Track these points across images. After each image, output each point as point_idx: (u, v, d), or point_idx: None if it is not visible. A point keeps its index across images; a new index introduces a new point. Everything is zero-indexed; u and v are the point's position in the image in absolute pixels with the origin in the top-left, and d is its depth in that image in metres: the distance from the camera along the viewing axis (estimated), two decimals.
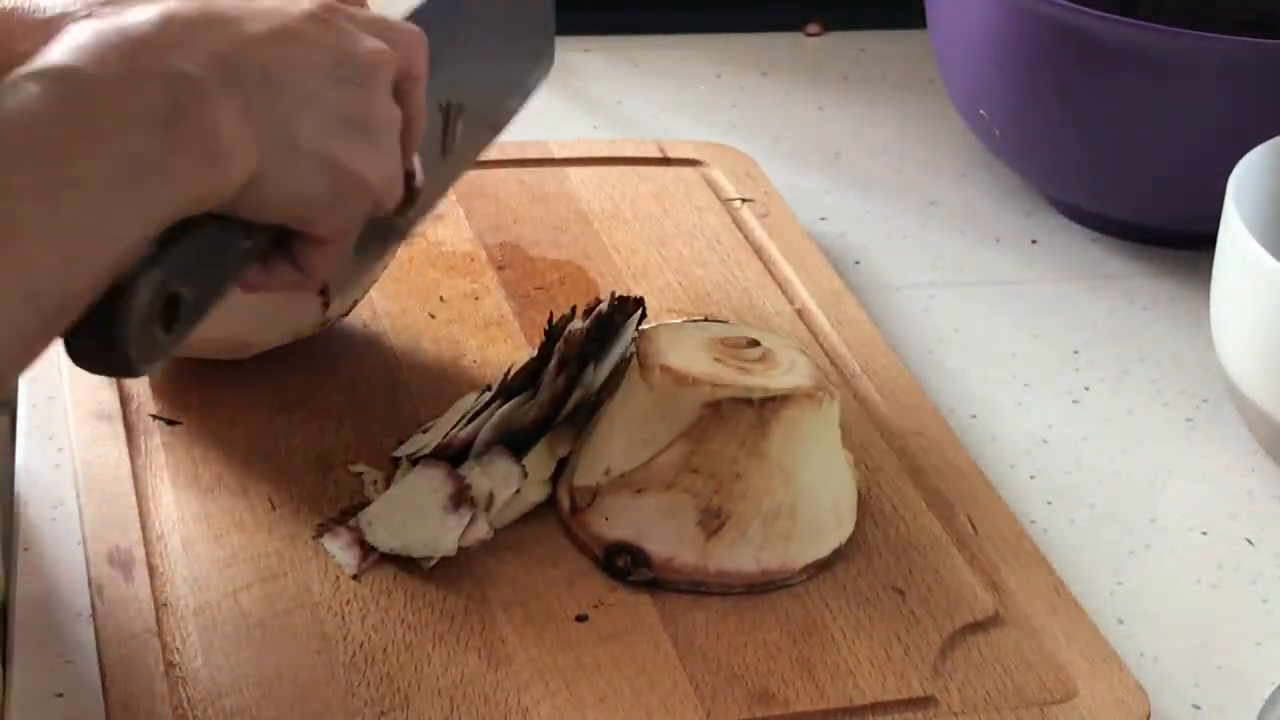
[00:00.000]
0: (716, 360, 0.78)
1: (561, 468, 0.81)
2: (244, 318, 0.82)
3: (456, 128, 0.76)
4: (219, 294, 0.64)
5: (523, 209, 1.02)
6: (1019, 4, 1.02)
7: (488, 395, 0.81)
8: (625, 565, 0.76)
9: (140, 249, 0.59)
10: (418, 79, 0.69)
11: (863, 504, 0.82)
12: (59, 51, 0.59)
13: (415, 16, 0.73)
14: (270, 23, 0.64)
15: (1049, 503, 0.87)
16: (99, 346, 0.59)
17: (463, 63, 0.79)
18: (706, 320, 0.87)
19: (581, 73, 1.26)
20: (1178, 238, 1.08)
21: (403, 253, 0.97)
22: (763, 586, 0.77)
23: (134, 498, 0.79)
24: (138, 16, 0.61)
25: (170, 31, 0.60)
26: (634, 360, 0.79)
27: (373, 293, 0.93)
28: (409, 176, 0.70)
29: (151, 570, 0.75)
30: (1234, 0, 1.13)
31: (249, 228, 0.64)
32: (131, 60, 0.59)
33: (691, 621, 0.75)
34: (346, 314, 0.89)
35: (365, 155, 0.66)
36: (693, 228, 1.02)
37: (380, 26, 0.68)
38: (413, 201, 0.72)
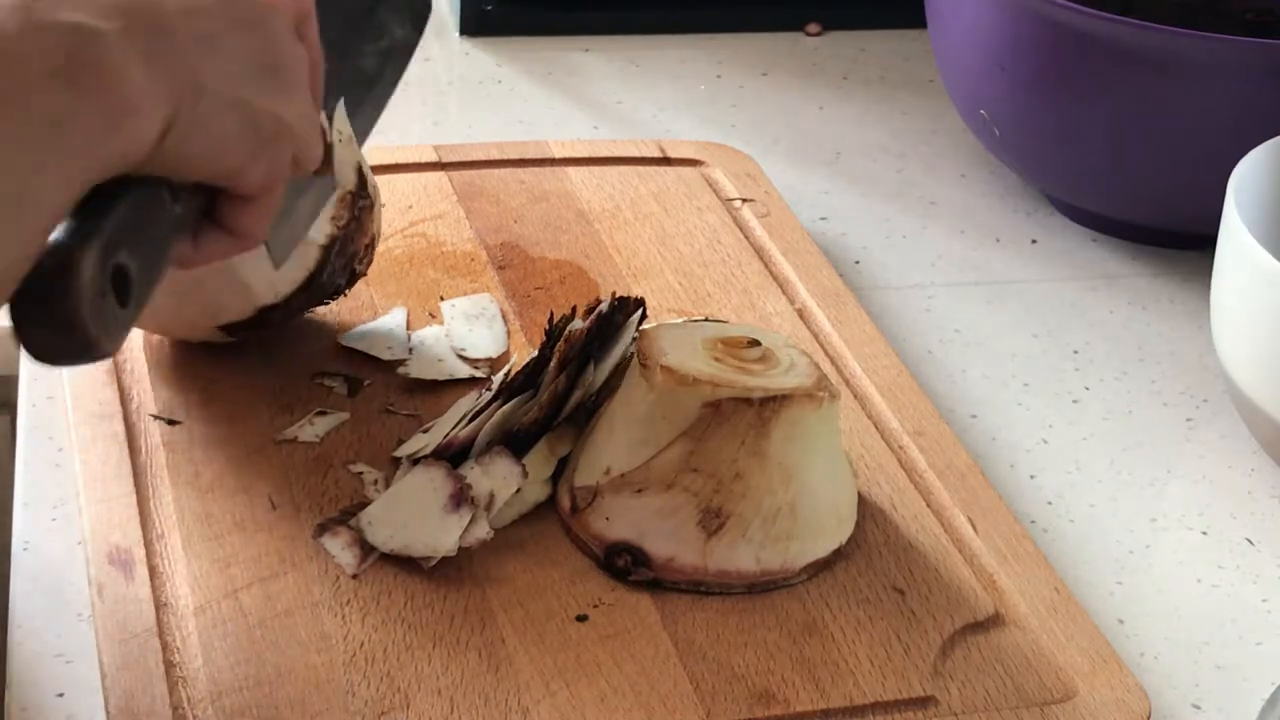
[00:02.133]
0: (716, 360, 0.78)
1: (562, 468, 0.81)
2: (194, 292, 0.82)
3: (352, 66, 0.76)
4: (162, 262, 0.63)
5: (523, 209, 1.02)
6: (1019, 4, 1.02)
7: (488, 395, 0.81)
8: (625, 565, 0.76)
9: (60, 215, 0.57)
10: (309, 17, 0.68)
11: (863, 504, 0.82)
12: None
13: None
14: None
15: (1049, 503, 0.87)
16: (57, 332, 0.58)
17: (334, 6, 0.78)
18: (706, 320, 0.87)
19: (581, 73, 1.26)
20: (1178, 238, 1.08)
21: (403, 253, 0.97)
22: (763, 586, 0.77)
23: (134, 498, 0.79)
24: None
25: None
26: (634, 360, 0.79)
27: (373, 293, 0.93)
28: (322, 134, 0.69)
29: (151, 570, 0.75)
30: (1234, 0, 1.13)
31: (175, 190, 0.63)
32: (26, 15, 0.57)
33: (691, 621, 0.75)
34: (310, 286, 0.86)
35: (277, 93, 0.65)
36: (693, 228, 1.02)
37: None
38: (330, 161, 0.72)
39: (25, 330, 0.58)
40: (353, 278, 0.87)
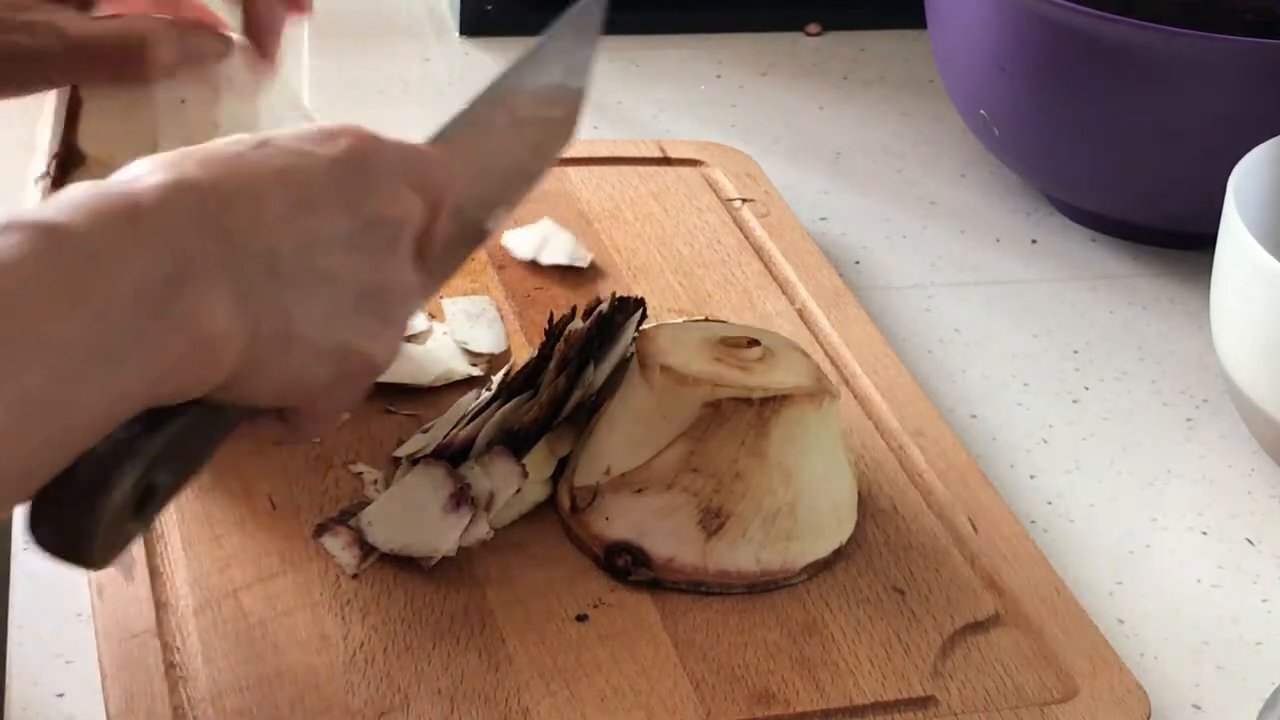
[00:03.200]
0: (716, 360, 0.78)
1: (562, 468, 0.81)
2: None
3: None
4: (195, 477, 0.59)
5: (523, 209, 1.02)
6: (1019, 4, 1.02)
7: (488, 395, 0.81)
8: (625, 565, 0.76)
9: (107, 429, 0.53)
10: (442, 213, 0.63)
11: (863, 504, 0.82)
12: (52, 207, 0.53)
13: (451, 131, 0.67)
14: (291, 189, 0.57)
15: (1049, 503, 0.87)
16: (65, 539, 0.55)
17: (494, 168, 0.73)
18: (706, 320, 0.87)
19: None
20: (1178, 238, 1.08)
21: None
22: (763, 586, 0.77)
23: None
24: (148, 180, 0.55)
25: (180, 202, 0.54)
26: (634, 360, 0.79)
27: None
28: None
29: (151, 570, 0.75)
30: (1234, 0, 1.13)
31: (238, 411, 0.59)
32: (131, 226, 0.53)
33: (691, 621, 0.75)
34: None
35: (376, 336, 0.60)
36: (693, 228, 1.02)
37: (414, 163, 0.62)
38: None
39: (36, 530, 0.55)
40: None
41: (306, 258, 0.57)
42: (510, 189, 0.76)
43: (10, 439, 0.50)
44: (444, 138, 0.67)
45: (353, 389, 0.62)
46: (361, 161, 0.60)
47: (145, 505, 0.56)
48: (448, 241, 0.66)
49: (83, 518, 0.54)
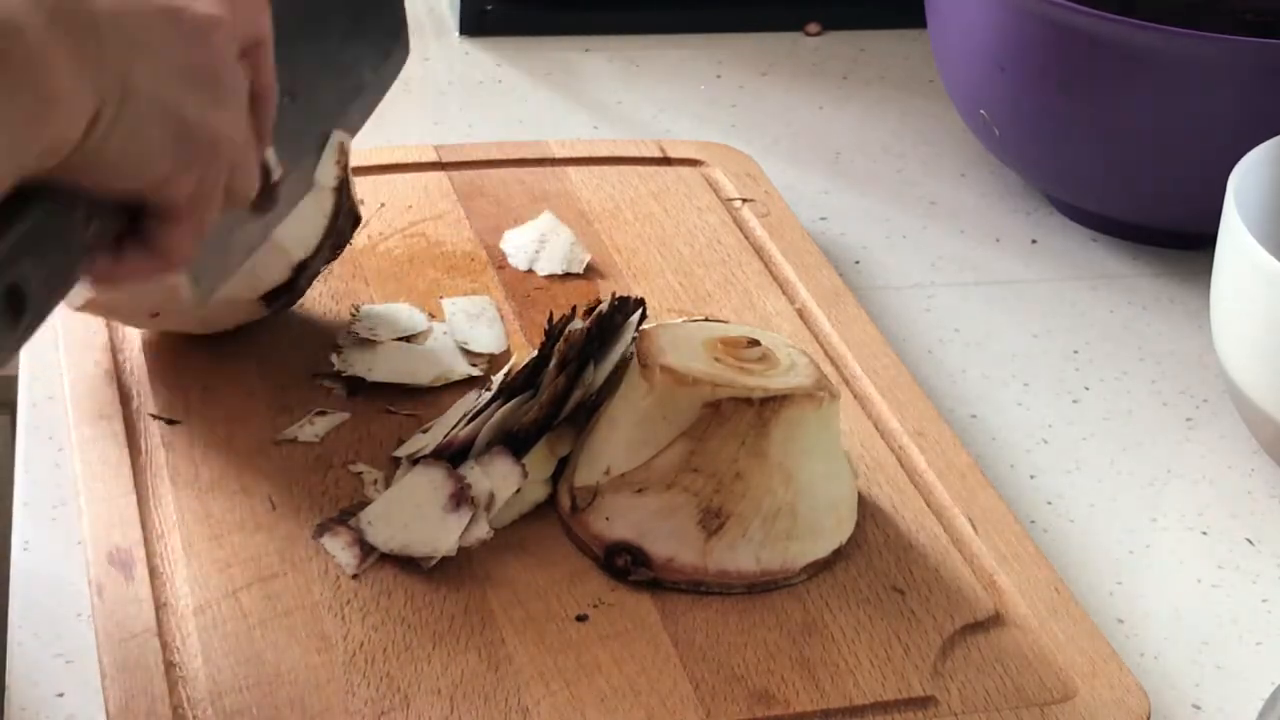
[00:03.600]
0: (716, 360, 0.78)
1: (562, 468, 0.81)
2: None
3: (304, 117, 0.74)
4: (65, 283, 0.60)
5: (523, 209, 1.02)
6: (1019, 4, 1.02)
7: (488, 395, 0.81)
8: (625, 565, 0.76)
9: None
10: (262, 44, 0.66)
11: (863, 504, 0.82)
12: None
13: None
14: None
15: (1049, 503, 0.87)
16: None
17: (305, 47, 0.77)
18: (706, 320, 0.87)
19: (581, 73, 1.26)
20: (1178, 238, 1.08)
21: (403, 253, 0.97)
22: (763, 586, 0.77)
23: (134, 498, 0.79)
24: None
25: None
26: (634, 360, 0.79)
27: (373, 292, 0.93)
28: (265, 171, 0.67)
29: (151, 570, 0.75)
30: (1234, 0, 1.13)
31: (93, 204, 0.60)
32: None
33: (691, 621, 0.75)
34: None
35: (212, 107, 0.62)
36: (693, 228, 1.02)
37: None
38: (272, 199, 0.70)
39: None
40: (355, 222, 0.88)
41: (126, 21, 0.60)
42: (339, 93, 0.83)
43: None
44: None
45: (203, 174, 0.63)
46: None
47: (17, 306, 0.57)
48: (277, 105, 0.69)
49: None
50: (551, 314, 0.83)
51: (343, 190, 0.85)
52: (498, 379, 0.83)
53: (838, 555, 0.79)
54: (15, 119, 0.55)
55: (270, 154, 0.69)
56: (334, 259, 0.88)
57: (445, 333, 0.90)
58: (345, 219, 0.86)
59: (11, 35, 0.56)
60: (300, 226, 0.84)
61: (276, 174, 0.70)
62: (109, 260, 0.63)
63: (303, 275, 0.86)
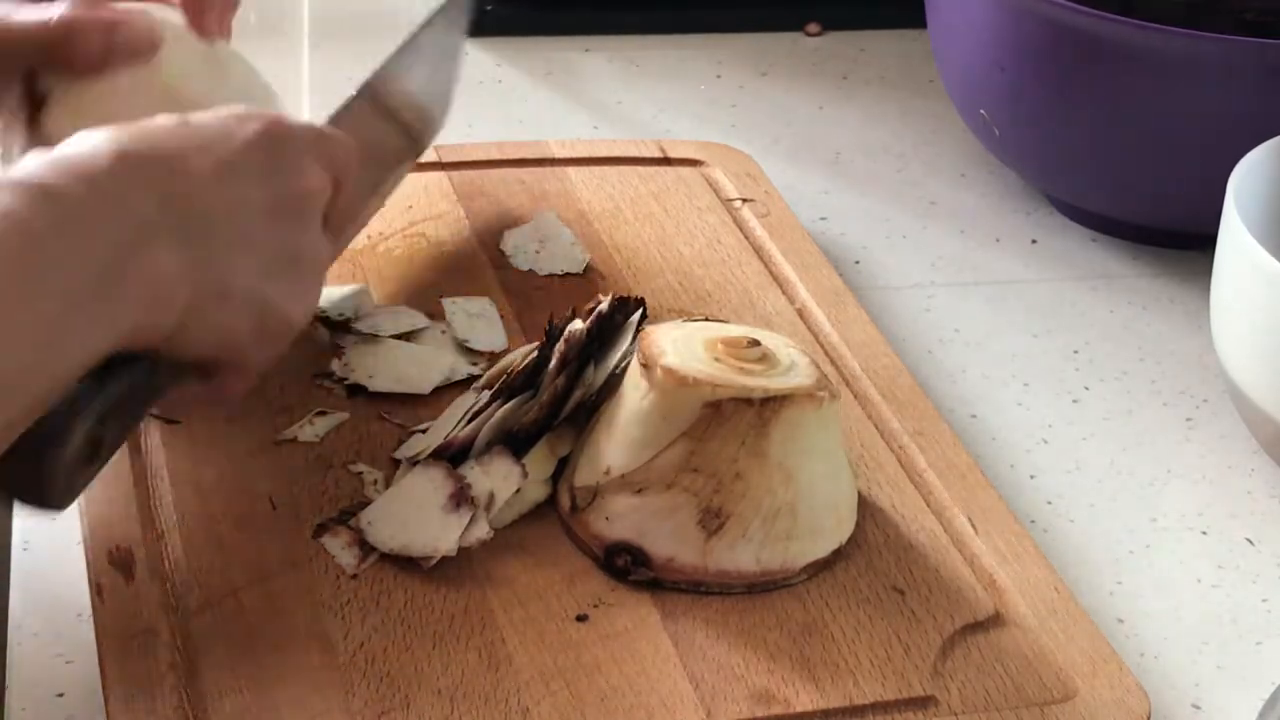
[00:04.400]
0: (717, 360, 0.78)
1: (562, 468, 0.81)
2: None
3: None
4: (135, 429, 0.66)
5: (523, 209, 1.02)
6: (1019, 4, 1.02)
7: (488, 395, 0.81)
8: (625, 565, 0.76)
9: (69, 384, 0.60)
10: (346, 186, 0.71)
11: (863, 504, 0.82)
12: (20, 172, 0.59)
13: (345, 113, 0.78)
14: (215, 159, 0.64)
15: (1049, 503, 0.87)
16: (25, 488, 0.61)
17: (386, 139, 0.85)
18: (706, 320, 0.87)
19: (581, 73, 1.26)
20: (1178, 238, 1.08)
21: (403, 253, 0.97)
22: (763, 586, 0.77)
23: (134, 498, 0.79)
24: (89, 149, 0.61)
25: (125, 169, 0.61)
26: (634, 360, 0.79)
27: (373, 292, 0.93)
28: None
29: (151, 570, 0.75)
30: (1234, 0, 1.13)
31: (174, 367, 0.65)
32: (92, 188, 0.59)
33: (691, 621, 0.75)
34: None
35: (294, 296, 0.68)
36: (693, 228, 1.02)
37: (318, 144, 0.69)
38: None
39: (2, 483, 0.61)
40: None
41: (234, 222, 0.65)
42: (389, 170, 0.90)
43: (13, 376, 0.56)
44: (334, 124, 0.76)
45: (272, 344, 0.68)
46: (274, 141, 0.67)
47: (94, 455, 0.63)
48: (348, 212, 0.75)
49: (44, 471, 0.60)
50: (551, 314, 0.83)
51: None
52: (483, 379, 0.83)
53: (838, 555, 0.79)
54: (127, 308, 0.60)
55: None
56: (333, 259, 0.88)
57: (445, 332, 0.90)
58: None
59: (140, 230, 0.60)
60: None
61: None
62: (174, 396, 0.68)
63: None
